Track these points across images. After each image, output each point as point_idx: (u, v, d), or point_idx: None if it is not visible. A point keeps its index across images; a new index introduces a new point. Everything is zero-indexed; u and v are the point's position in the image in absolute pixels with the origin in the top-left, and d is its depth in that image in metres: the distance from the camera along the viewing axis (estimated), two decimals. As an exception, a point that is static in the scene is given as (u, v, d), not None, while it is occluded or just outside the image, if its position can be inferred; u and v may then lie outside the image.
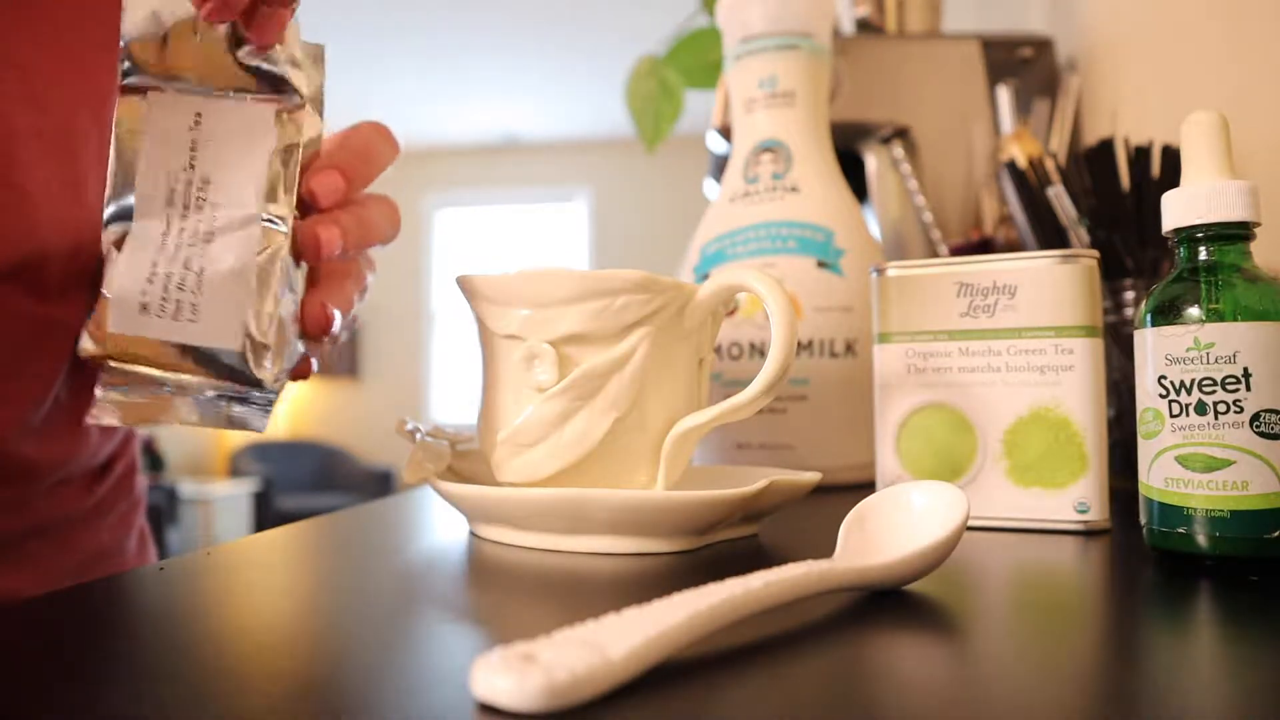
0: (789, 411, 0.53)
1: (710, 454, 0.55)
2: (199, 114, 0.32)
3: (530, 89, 4.32)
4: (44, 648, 0.22)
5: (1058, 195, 0.56)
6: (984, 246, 0.71)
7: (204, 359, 0.32)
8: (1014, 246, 0.70)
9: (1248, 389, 0.29)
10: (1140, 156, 0.53)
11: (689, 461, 0.39)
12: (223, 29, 0.32)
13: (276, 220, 0.33)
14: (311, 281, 0.36)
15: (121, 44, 0.32)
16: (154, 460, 4.03)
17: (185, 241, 0.32)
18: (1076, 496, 0.37)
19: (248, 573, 0.31)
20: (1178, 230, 0.31)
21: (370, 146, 0.37)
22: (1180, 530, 0.30)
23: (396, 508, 0.47)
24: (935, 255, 0.79)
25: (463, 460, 0.42)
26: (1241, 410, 0.29)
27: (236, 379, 0.33)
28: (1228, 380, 0.29)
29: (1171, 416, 0.30)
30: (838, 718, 0.17)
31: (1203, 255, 0.31)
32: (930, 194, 0.83)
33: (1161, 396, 0.30)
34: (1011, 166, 0.60)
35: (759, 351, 0.53)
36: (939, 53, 0.86)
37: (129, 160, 0.32)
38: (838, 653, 0.21)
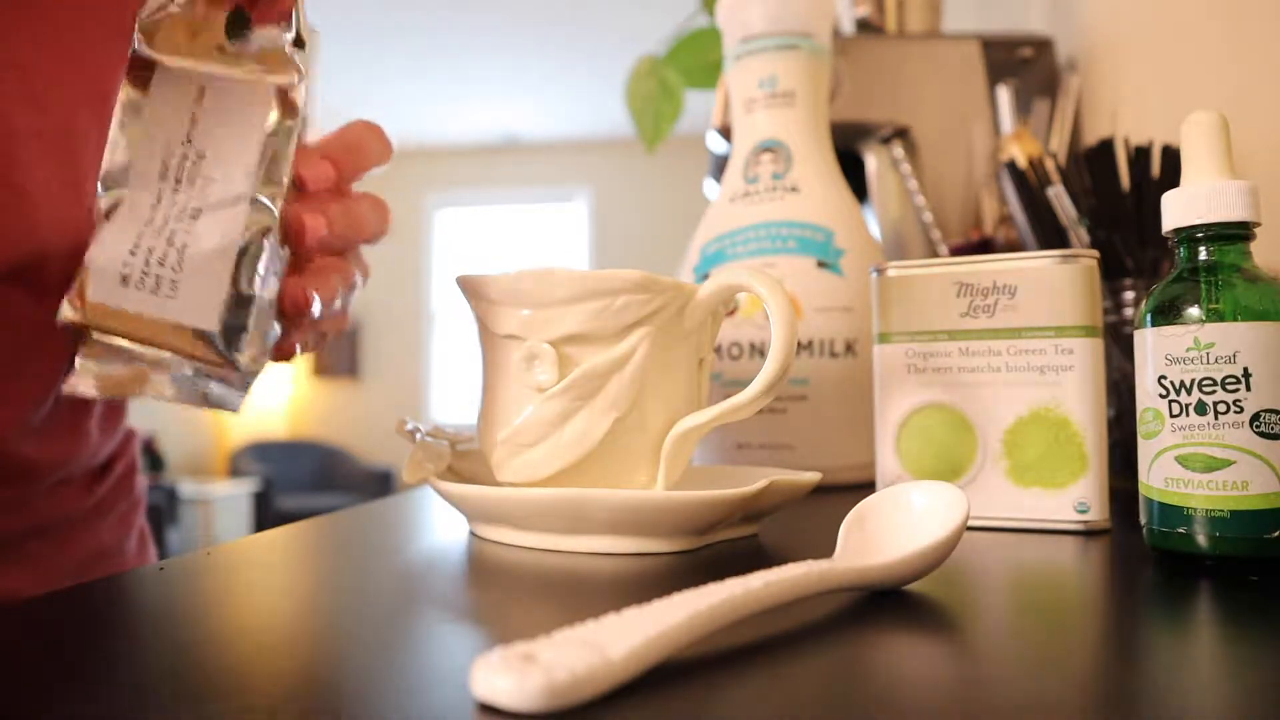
0: (789, 411, 0.53)
1: (710, 454, 0.55)
2: (202, 89, 0.32)
3: (530, 89, 4.32)
4: (44, 648, 0.22)
5: (1058, 195, 0.56)
6: (984, 246, 0.71)
7: (181, 335, 0.32)
8: (1014, 246, 0.70)
9: (1248, 389, 0.29)
10: (1140, 156, 0.53)
11: (689, 461, 0.39)
12: (227, 6, 0.32)
13: (266, 201, 0.32)
14: (297, 269, 0.36)
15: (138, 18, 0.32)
16: (154, 460, 4.03)
17: (173, 216, 0.32)
18: (1076, 496, 0.37)
19: (248, 573, 0.31)
20: (1178, 230, 0.31)
21: (362, 142, 0.38)
22: (1180, 530, 0.30)
23: (396, 508, 0.47)
24: (935, 255, 0.79)
25: (463, 460, 0.42)
26: (1241, 410, 0.29)
27: (212, 358, 0.32)
28: (1228, 380, 0.29)
29: (1171, 416, 0.30)
30: (838, 718, 0.17)
31: (1203, 255, 0.31)
32: (930, 194, 0.83)
33: (1161, 396, 0.30)
34: (1011, 166, 0.60)
35: (759, 351, 0.53)
36: (939, 53, 0.86)
37: (129, 130, 0.32)
38: (838, 653, 0.21)
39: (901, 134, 0.85)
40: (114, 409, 0.49)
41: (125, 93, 0.32)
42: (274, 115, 0.32)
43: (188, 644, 0.22)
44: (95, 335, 0.32)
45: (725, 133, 0.86)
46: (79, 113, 0.39)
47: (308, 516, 0.44)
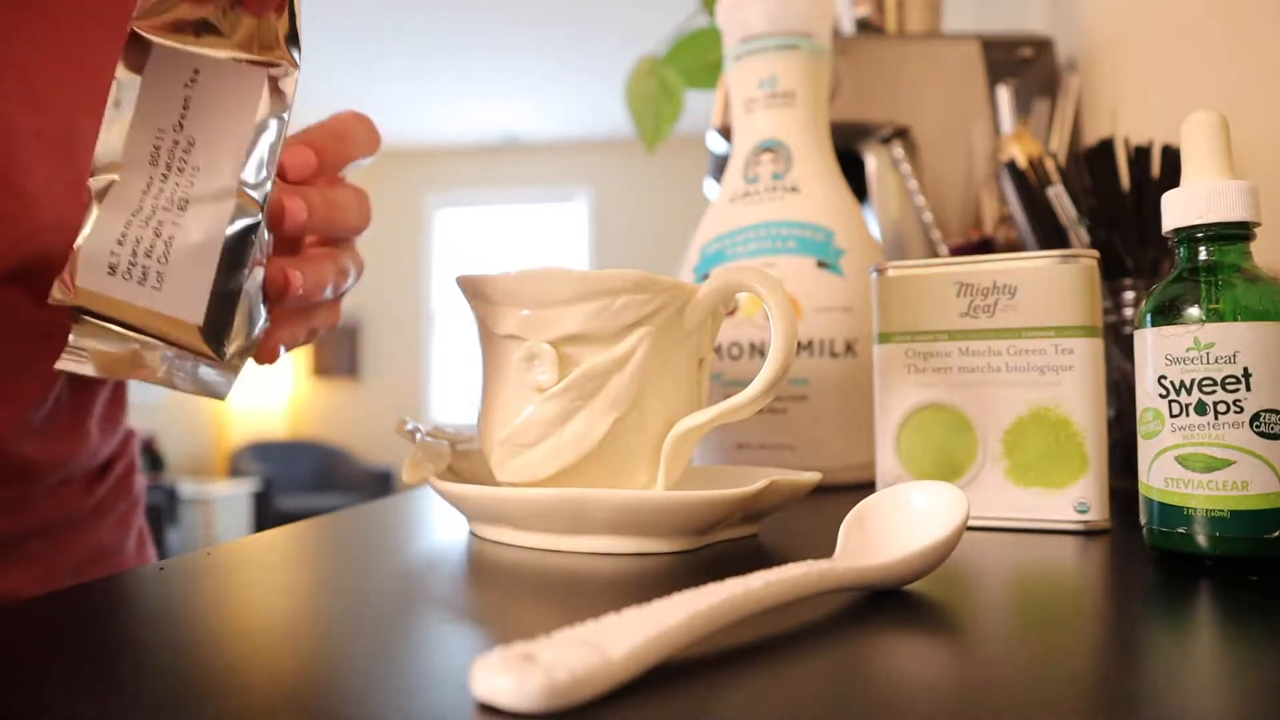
0: (789, 411, 0.53)
1: (710, 454, 0.55)
2: (195, 72, 0.32)
3: (530, 89, 4.32)
4: (44, 648, 0.22)
5: (1058, 195, 0.56)
6: (984, 246, 0.71)
7: (168, 324, 0.32)
8: (1014, 246, 0.70)
9: (1248, 389, 0.29)
10: (1140, 156, 0.53)
11: (689, 461, 0.39)
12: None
13: (253, 194, 0.32)
14: (286, 253, 0.36)
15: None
16: (154, 460, 4.03)
17: (161, 205, 0.32)
18: (1076, 496, 0.37)
19: (248, 573, 0.31)
20: (1178, 230, 0.31)
21: (348, 131, 0.38)
22: (1180, 530, 0.30)
23: (396, 508, 0.47)
24: (935, 255, 0.79)
25: (463, 460, 0.42)
26: (1241, 410, 0.29)
27: (199, 349, 0.32)
28: (1228, 380, 0.29)
29: (1171, 416, 0.30)
30: (838, 718, 0.17)
31: (1203, 255, 0.31)
32: (930, 194, 0.83)
33: (1161, 396, 0.30)
34: (1011, 166, 0.60)
35: (759, 351, 0.53)
36: (939, 53, 0.86)
37: (123, 110, 0.32)
38: (838, 653, 0.21)
39: (901, 134, 0.85)
40: (113, 410, 0.49)
41: (120, 73, 0.31)
42: (265, 105, 0.32)
43: (188, 644, 0.22)
44: (85, 316, 0.32)
45: (725, 133, 0.86)
46: (79, 113, 0.39)
47: (308, 516, 0.44)
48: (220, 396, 0.35)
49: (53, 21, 0.39)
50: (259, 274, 0.34)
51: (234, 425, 5.00)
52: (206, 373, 0.34)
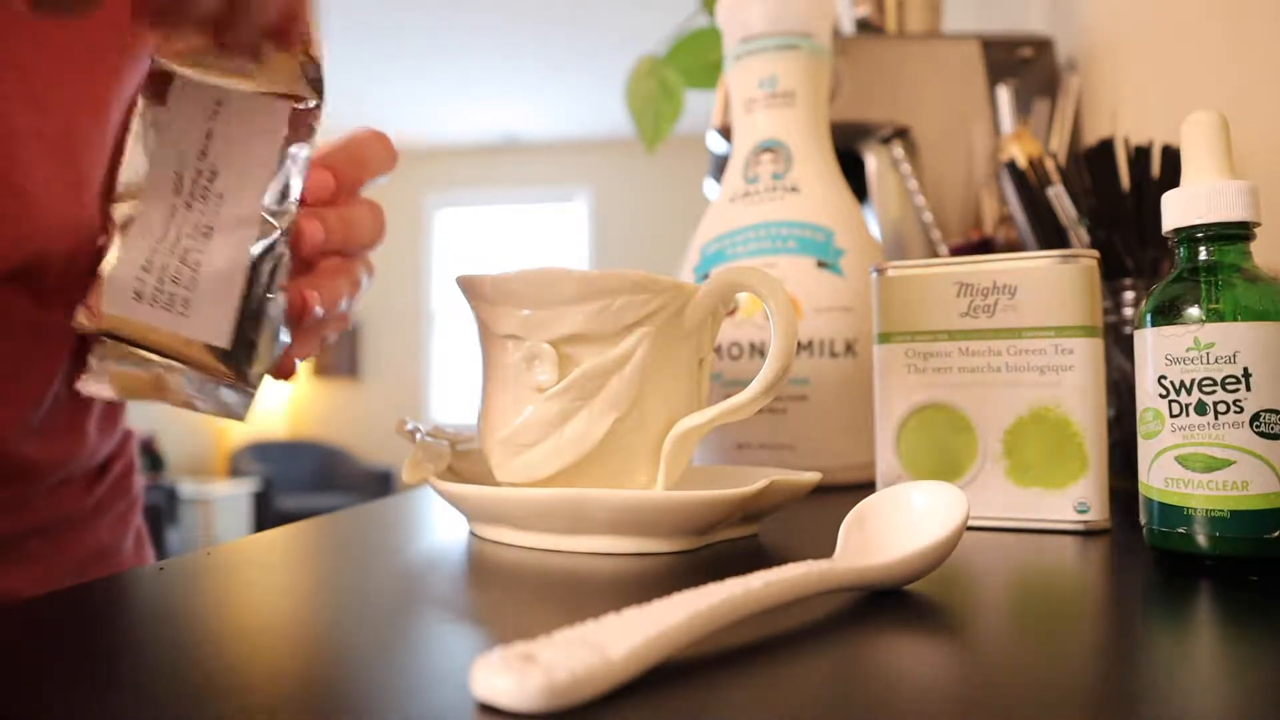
0: (789, 411, 0.53)
1: (710, 454, 0.55)
2: (219, 102, 0.32)
3: (530, 89, 4.32)
4: (44, 648, 0.22)
5: (1058, 195, 0.56)
6: (984, 246, 0.71)
7: (192, 348, 0.32)
8: (1014, 246, 0.70)
9: (1248, 389, 0.29)
10: (1140, 156, 0.53)
11: (689, 461, 0.39)
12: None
13: (275, 219, 0.33)
14: (302, 273, 0.37)
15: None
16: (154, 460, 4.03)
17: (185, 233, 0.32)
18: (1076, 496, 0.37)
19: (248, 573, 0.31)
20: (1178, 230, 0.31)
21: (366, 152, 0.38)
22: (1180, 530, 0.30)
23: (396, 508, 0.47)
24: (935, 255, 0.79)
25: (463, 460, 0.42)
26: (1241, 410, 0.29)
27: (222, 371, 0.33)
28: (1228, 380, 0.29)
29: (1171, 416, 0.30)
30: (838, 718, 0.17)
31: (1203, 255, 0.31)
32: (930, 194, 0.83)
33: (1161, 396, 0.30)
34: (1011, 166, 0.60)
35: (759, 351, 0.53)
36: (939, 53, 0.86)
37: (145, 143, 0.32)
38: (838, 653, 0.21)
39: (901, 134, 0.85)
40: (112, 410, 0.49)
41: (142, 105, 0.32)
42: (288, 136, 0.33)
43: (188, 644, 0.22)
44: (108, 339, 0.32)
45: (725, 133, 0.86)
46: (79, 113, 0.39)
47: (308, 516, 0.44)
48: (240, 418, 0.35)
49: (53, 22, 0.39)
50: (281, 298, 0.34)
51: (234, 425, 5.00)
52: (227, 394, 0.34)
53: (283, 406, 5.16)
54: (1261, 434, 0.29)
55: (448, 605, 0.26)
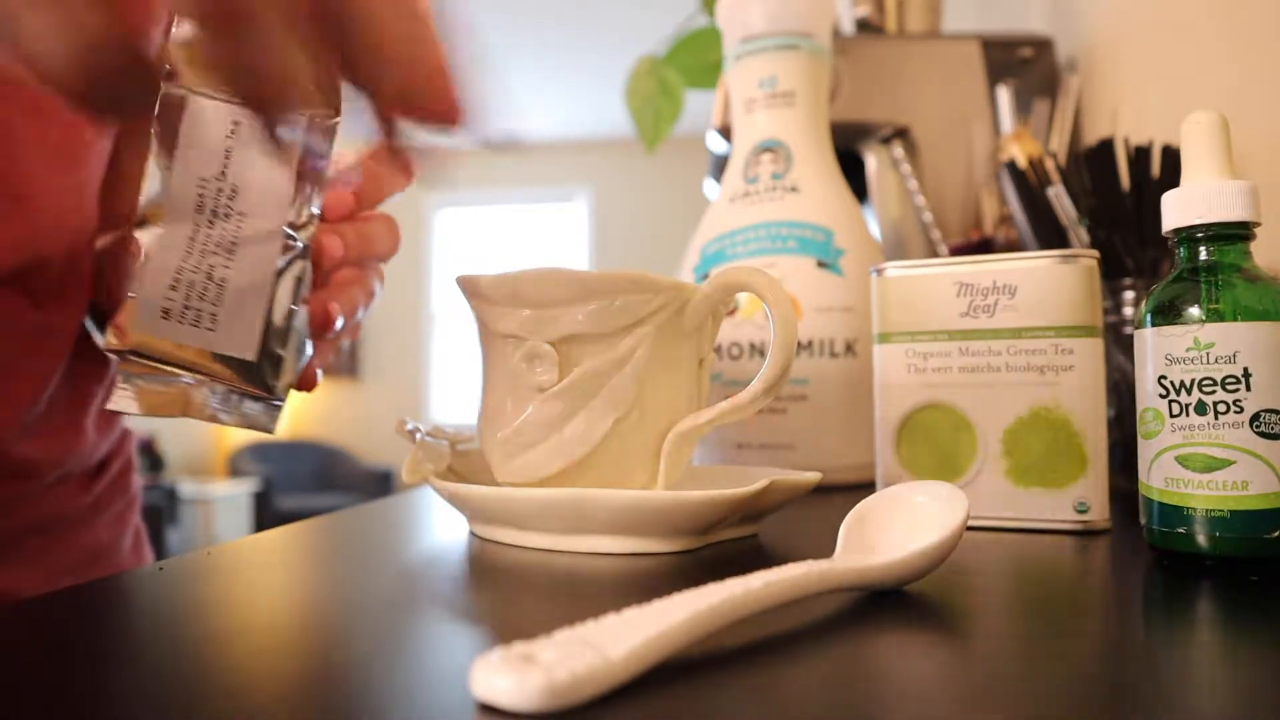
0: (789, 411, 0.53)
1: (710, 454, 0.55)
2: (236, 122, 0.32)
3: (530, 89, 4.31)
4: (44, 648, 0.22)
5: (1058, 195, 0.56)
6: (984, 246, 0.71)
7: (220, 361, 0.33)
8: (1014, 246, 0.70)
9: (1248, 389, 0.29)
10: (1140, 156, 0.53)
11: (689, 461, 0.39)
12: None
13: (298, 233, 0.33)
14: (319, 286, 0.37)
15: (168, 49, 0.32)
16: (154, 460, 4.03)
17: (210, 249, 0.33)
18: (1076, 496, 0.37)
19: (248, 573, 0.31)
20: (1178, 230, 0.31)
21: (383, 173, 0.39)
22: (1180, 530, 0.30)
23: (396, 508, 0.47)
24: (935, 255, 0.79)
25: (463, 460, 0.42)
26: (1241, 410, 0.29)
27: (250, 384, 0.34)
28: (1228, 380, 0.29)
29: (1171, 416, 0.30)
30: (838, 718, 0.17)
31: (1203, 255, 0.31)
32: (930, 194, 0.83)
33: (1161, 396, 0.30)
34: (1011, 166, 0.60)
35: (759, 351, 0.53)
36: (939, 53, 0.86)
37: (163, 165, 0.32)
38: (838, 653, 0.21)
39: (901, 134, 0.85)
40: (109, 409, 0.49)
41: (158, 126, 0.32)
42: (306, 150, 0.33)
43: (188, 644, 0.22)
44: (134, 356, 0.33)
45: (725, 133, 0.86)
46: (80, 121, 0.39)
47: (308, 516, 0.44)
48: (268, 430, 0.36)
49: None
50: (304, 311, 0.35)
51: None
52: (252, 407, 0.35)
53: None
54: (1261, 434, 0.29)
55: (448, 605, 0.26)
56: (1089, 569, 0.32)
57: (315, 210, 0.34)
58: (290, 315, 0.34)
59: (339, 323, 0.36)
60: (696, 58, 0.97)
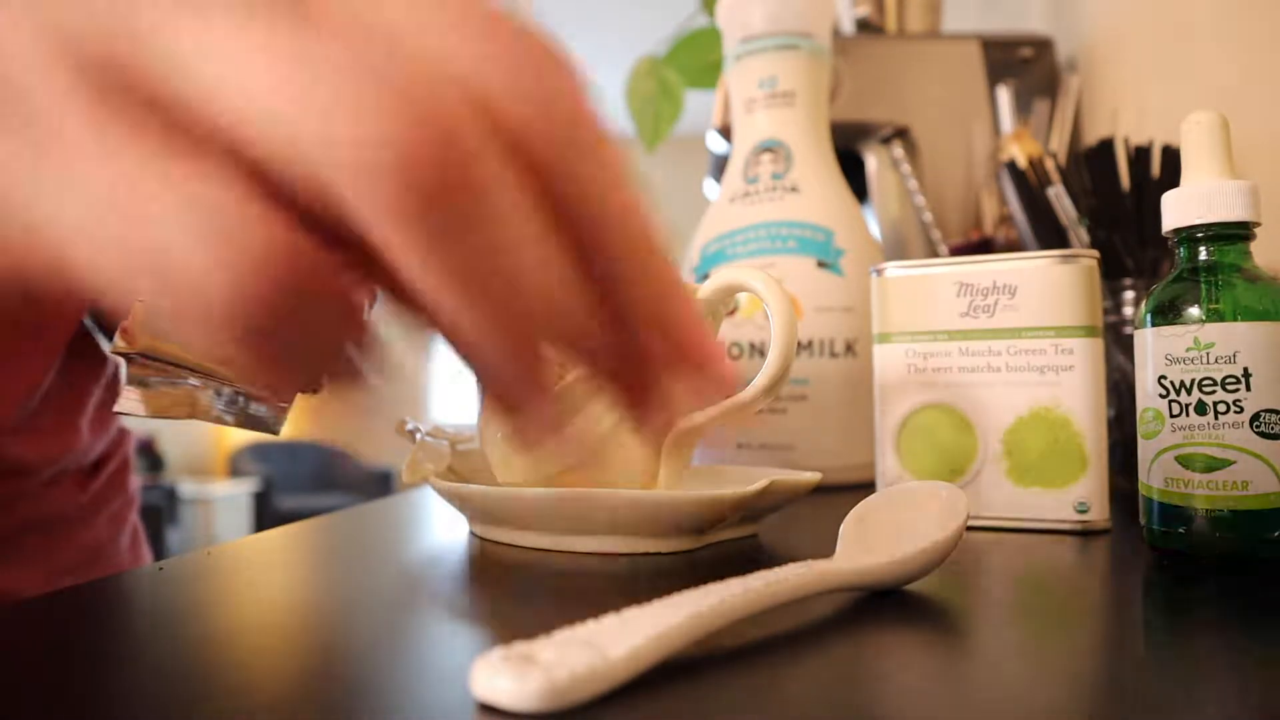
0: (789, 411, 0.53)
1: (710, 454, 0.55)
2: None
3: (530, 89, 4.31)
4: (44, 648, 0.22)
5: (1058, 195, 0.56)
6: (984, 246, 0.71)
7: (227, 365, 0.33)
8: (1014, 246, 0.70)
9: (1248, 389, 0.29)
10: (1140, 156, 0.53)
11: (689, 461, 0.39)
12: None
13: None
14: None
15: None
16: (154, 460, 4.03)
17: None
18: (1076, 496, 0.37)
19: (248, 573, 0.31)
20: (1178, 230, 0.31)
21: None
22: (1180, 530, 0.30)
23: (396, 508, 0.47)
24: (935, 255, 0.79)
25: (463, 460, 0.42)
26: (1241, 410, 0.29)
27: (257, 388, 0.34)
28: (1228, 380, 0.29)
29: (1171, 416, 0.30)
30: (838, 718, 0.17)
31: (1203, 255, 0.31)
32: (930, 194, 0.83)
33: (1161, 396, 0.30)
34: (1011, 166, 0.60)
35: (759, 351, 0.53)
36: (939, 53, 0.86)
37: None
38: (838, 653, 0.21)
39: (901, 134, 0.85)
40: (105, 408, 0.49)
41: None
42: None
43: (188, 644, 0.22)
44: (142, 358, 0.33)
45: (725, 133, 0.86)
46: None
47: (308, 516, 0.44)
48: (274, 432, 0.36)
49: None
50: None
51: (234, 425, 5.00)
52: (258, 409, 0.35)
53: (283, 406, 5.16)
54: (1261, 434, 0.29)
55: (448, 605, 0.26)
56: (1089, 569, 0.32)
57: None
58: None
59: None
60: (696, 58, 0.97)
